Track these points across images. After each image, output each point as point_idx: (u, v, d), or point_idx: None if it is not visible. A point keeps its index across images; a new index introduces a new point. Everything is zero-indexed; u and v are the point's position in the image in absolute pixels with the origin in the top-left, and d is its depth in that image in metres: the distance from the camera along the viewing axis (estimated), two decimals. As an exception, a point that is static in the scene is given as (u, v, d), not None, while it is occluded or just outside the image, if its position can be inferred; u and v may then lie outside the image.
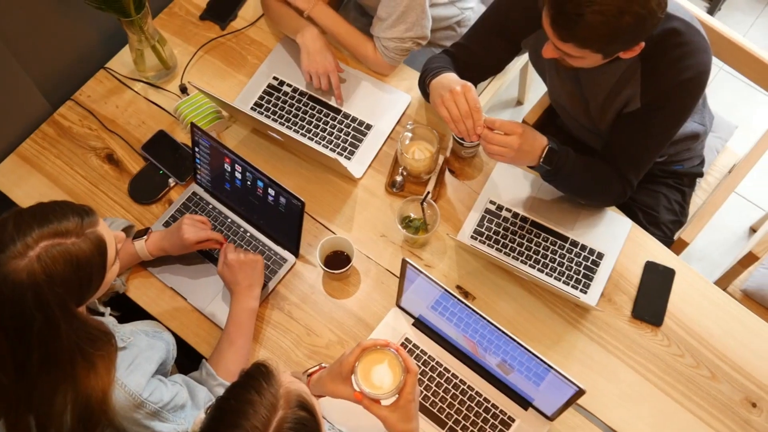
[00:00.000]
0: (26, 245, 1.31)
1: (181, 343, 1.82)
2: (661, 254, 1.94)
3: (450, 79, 1.82)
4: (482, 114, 1.73)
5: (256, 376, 1.21)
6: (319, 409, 1.27)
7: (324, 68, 2.09)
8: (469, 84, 1.75)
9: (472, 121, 1.72)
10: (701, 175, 2.25)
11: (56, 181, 2.08)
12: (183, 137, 2.11)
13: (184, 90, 2.18)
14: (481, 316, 1.59)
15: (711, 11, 3.40)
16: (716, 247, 2.95)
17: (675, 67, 1.71)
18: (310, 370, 1.59)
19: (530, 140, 1.72)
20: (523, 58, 2.74)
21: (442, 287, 1.62)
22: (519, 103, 3.19)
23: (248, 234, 1.97)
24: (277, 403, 1.18)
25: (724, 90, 3.21)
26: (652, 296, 1.88)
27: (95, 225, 1.40)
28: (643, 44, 1.62)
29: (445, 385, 1.79)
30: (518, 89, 3.14)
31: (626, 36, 1.55)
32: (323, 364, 1.60)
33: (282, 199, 1.83)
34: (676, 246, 2.14)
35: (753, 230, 2.95)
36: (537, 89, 3.17)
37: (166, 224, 1.98)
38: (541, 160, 1.77)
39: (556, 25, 1.56)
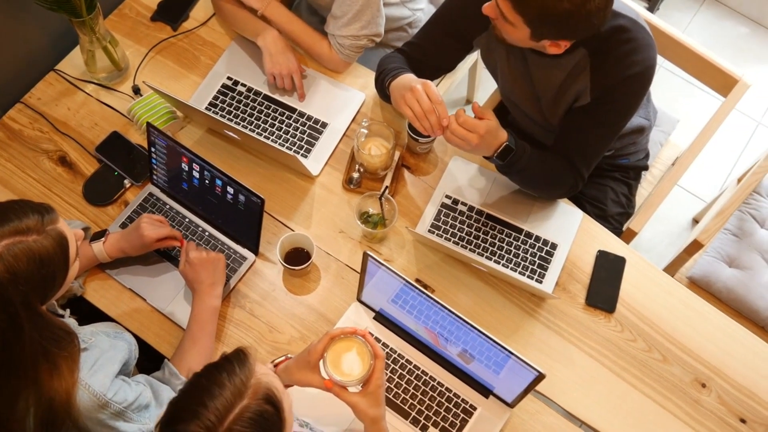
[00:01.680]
0: None
1: (141, 344, 1.81)
2: (612, 243, 2.00)
3: (410, 78, 1.85)
4: (445, 107, 1.76)
5: (232, 360, 1.23)
6: (288, 407, 1.28)
7: (288, 69, 2.11)
8: (429, 81, 1.78)
9: (435, 116, 1.75)
10: (646, 168, 2.33)
11: (7, 185, 2.04)
12: (137, 138, 2.10)
13: (137, 91, 2.17)
14: (442, 306, 1.62)
15: (650, 10, 3.51)
16: (661, 239, 3.04)
17: (623, 63, 1.77)
18: (276, 361, 1.60)
19: (490, 138, 1.75)
20: (472, 58, 2.79)
21: (404, 279, 1.64)
22: (468, 101, 3.24)
23: (207, 233, 1.97)
24: (244, 390, 1.19)
25: (664, 85, 3.32)
26: (605, 284, 1.94)
27: (56, 222, 1.40)
28: (568, 44, 1.68)
29: (408, 376, 1.81)
30: (467, 88, 3.19)
31: (556, 22, 1.59)
32: (289, 355, 1.61)
33: (241, 197, 1.84)
34: (625, 236, 2.21)
35: (695, 221, 3.06)
36: (486, 88, 3.22)
37: (123, 225, 1.97)
38: (495, 154, 1.81)
39: None
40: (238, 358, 1.24)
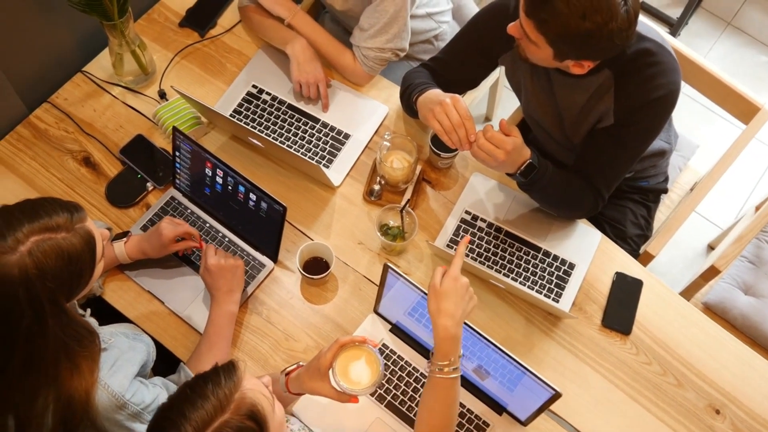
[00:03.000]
0: (17, 240, 1.31)
1: (156, 346, 1.81)
2: (630, 266, 2.00)
3: (437, 93, 1.86)
4: (474, 123, 1.77)
5: (220, 373, 1.23)
6: (278, 426, 1.27)
7: (314, 78, 2.13)
8: (458, 96, 1.80)
9: (464, 131, 1.76)
10: (666, 191, 2.33)
11: (31, 183, 2.06)
12: (161, 142, 2.12)
13: (163, 95, 2.19)
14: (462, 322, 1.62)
15: (672, 35, 3.52)
16: (676, 263, 3.04)
17: (648, 85, 1.78)
18: (287, 369, 1.61)
19: (515, 154, 1.76)
20: (494, 76, 2.80)
21: (424, 293, 1.65)
22: (487, 119, 3.25)
23: (227, 239, 1.99)
24: (227, 405, 1.19)
25: (684, 110, 3.33)
26: (621, 306, 1.94)
27: (84, 221, 1.41)
28: (591, 64, 1.68)
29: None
30: (487, 105, 3.20)
31: (578, 42, 1.60)
32: (301, 363, 1.62)
33: (263, 205, 1.85)
34: (643, 259, 2.21)
35: (711, 247, 3.06)
36: (505, 106, 3.24)
37: (144, 228, 1.99)
38: (519, 171, 1.82)
39: None
40: (226, 370, 1.24)
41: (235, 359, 1.28)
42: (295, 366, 1.62)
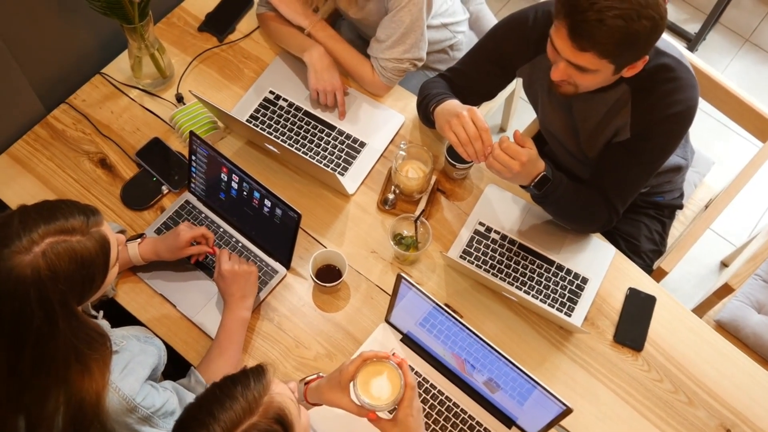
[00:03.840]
0: (32, 241, 1.31)
1: (167, 349, 1.82)
2: (643, 281, 2.00)
3: (454, 104, 1.86)
4: (490, 135, 1.77)
5: (249, 375, 1.24)
6: (302, 429, 1.27)
7: (331, 86, 2.14)
8: (475, 108, 1.79)
9: (480, 144, 1.76)
10: (681, 207, 2.32)
11: (47, 183, 2.07)
12: (177, 145, 2.13)
13: (180, 99, 2.19)
14: (473, 333, 1.62)
15: (690, 50, 3.51)
16: (688, 279, 3.02)
17: (665, 101, 1.77)
18: (307, 379, 1.61)
19: (530, 166, 1.76)
20: (510, 87, 2.80)
21: (436, 304, 1.65)
22: (502, 129, 3.25)
23: (240, 244, 1.99)
24: (256, 407, 1.20)
25: (700, 126, 3.31)
26: (634, 322, 1.93)
27: (100, 224, 1.41)
28: (646, 58, 1.67)
29: (431, 401, 1.81)
30: (502, 116, 3.20)
31: (641, 41, 1.59)
32: (321, 374, 1.61)
33: (278, 211, 1.85)
34: (656, 275, 2.20)
35: (724, 264, 3.04)
36: (520, 117, 3.24)
37: (158, 231, 1.99)
38: (533, 183, 1.82)
39: (577, 34, 1.58)
40: (256, 373, 1.25)
41: (264, 363, 1.29)
42: (314, 376, 1.61)
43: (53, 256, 1.32)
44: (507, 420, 1.79)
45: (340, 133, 2.16)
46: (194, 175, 2.00)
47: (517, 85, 2.88)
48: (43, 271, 1.31)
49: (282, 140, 2.14)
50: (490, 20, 2.58)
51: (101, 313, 1.67)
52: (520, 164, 1.72)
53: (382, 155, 2.14)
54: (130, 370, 1.55)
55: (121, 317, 1.89)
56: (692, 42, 3.54)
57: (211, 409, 1.19)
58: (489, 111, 2.74)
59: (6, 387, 1.39)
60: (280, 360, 1.86)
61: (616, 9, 1.52)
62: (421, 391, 1.82)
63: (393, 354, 1.53)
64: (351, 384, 1.50)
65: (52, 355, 1.38)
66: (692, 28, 3.57)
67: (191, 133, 1.90)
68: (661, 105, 1.78)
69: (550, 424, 1.65)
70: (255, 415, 1.19)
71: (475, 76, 2.03)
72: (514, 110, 3.14)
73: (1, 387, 1.39)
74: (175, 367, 1.84)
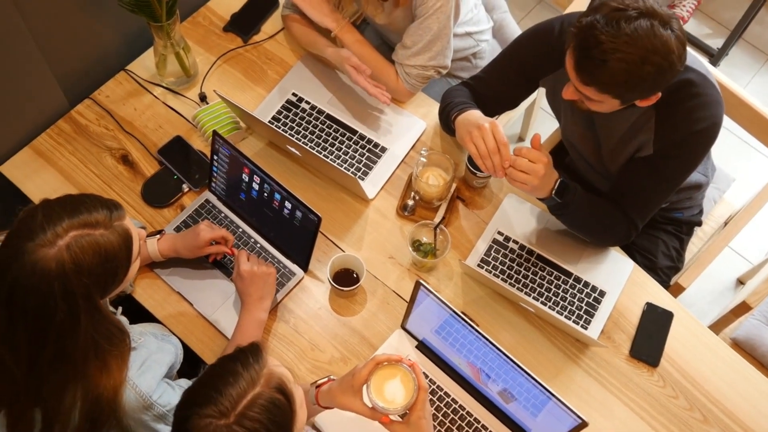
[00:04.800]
0: (56, 234, 1.32)
1: (182, 347, 1.82)
2: (661, 297, 1.99)
3: (476, 116, 1.87)
4: (509, 149, 1.77)
5: (246, 353, 1.30)
6: (300, 401, 1.33)
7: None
8: (496, 121, 1.80)
9: (499, 158, 1.76)
10: (700, 224, 2.31)
11: (69, 177, 2.08)
12: (199, 144, 2.13)
13: (203, 98, 2.20)
14: (490, 342, 1.62)
15: (712, 65, 3.49)
16: (704, 296, 3.01)
17: (689, 118, 1.76)
18: (318, 382, 1.61)
19: (549, 173, 1.77)
20: (531, 97, 2.79)
21: (454, 312, 1.64)
22: (521, 139, 3.24)
23: (258, 245, 1.99)
24: (257, 379, 1.26)
25: (720, 142, 3.28)
26: (650, 337, 1.92)
27: (123, 218, 1.42)
28: (659, 95, 1.67)
29: (445, 409, 1.81)
30: (521, 125, 3.20)
31: (645, 85, 1.60)
32: (332, 377, 1.61)
33: (298, 213, 1.86)
34: (673, 290, 2.19)
35: (741, 282, 3.02)
36: (539, 127, 3.23)
37: (177, 229, 2.00)
38: (553, 192, 1.81)
39: (580, 69, 1.61)
40: (253, 350, 1.30)
41: (256, 340, 1.35)
42: (326, 379, 1.62)
43: (77, 249, 1.33)
44: (520, 431, 1.78)
45: (362, 137, 2.16)
46: (215, 174, 2.00)
47: (537, 95, 2.87)
48: (68, 265, 1.32)
49: (303, 143, 2.15)
50: (514, 29, 2.58)
51: (120, 309, 1.67)
52: (544, 165, 1.73)
53: (402, 161, 2.14)
54: (148, 368, 1.55)
55: (138, 313, 1.90)
56: (715, 57, 3.52)
57: (216, 385, 1.24)
58: (509, 120, 2.74)
59: (25, 379, 1.40)
60: (295, 362, 1.86)
61: (621, 52, 1.53)
62: (434, 399, 1.82)
63: (407, 356, 1.54)
64: (364, 387, 1.50)
65: (73, 349, 1.39)
66: (715, 43, 3.56)
67: (214, 132, 1.91)
68: (685, 122, 1.77)
69: (564, 437, 1.65)
70: (258, 386, 1.25)
71: (498, 85, 2.03)
72: (533, 120, 3.13)
73: (21, 379, 1.40)
74: (190, 365, 1.85)
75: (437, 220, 1.98)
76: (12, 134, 2.09)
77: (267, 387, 1.26)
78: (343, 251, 2.00)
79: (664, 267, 2.22)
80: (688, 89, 1.76)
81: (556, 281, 1.98)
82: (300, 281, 1.96)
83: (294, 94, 2.23)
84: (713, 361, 1.91)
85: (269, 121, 2.18)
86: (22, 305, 1.32)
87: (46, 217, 1.34)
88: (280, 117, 2.19)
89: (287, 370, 1.33)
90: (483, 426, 1.79)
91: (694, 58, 1.82)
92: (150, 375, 1.54)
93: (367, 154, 2.14)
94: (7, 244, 1.35)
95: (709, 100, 1.77)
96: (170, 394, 1.57)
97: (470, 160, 2.03)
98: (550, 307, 1.94)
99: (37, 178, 2.07)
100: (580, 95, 1.70)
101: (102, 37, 2.19)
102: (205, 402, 1.22)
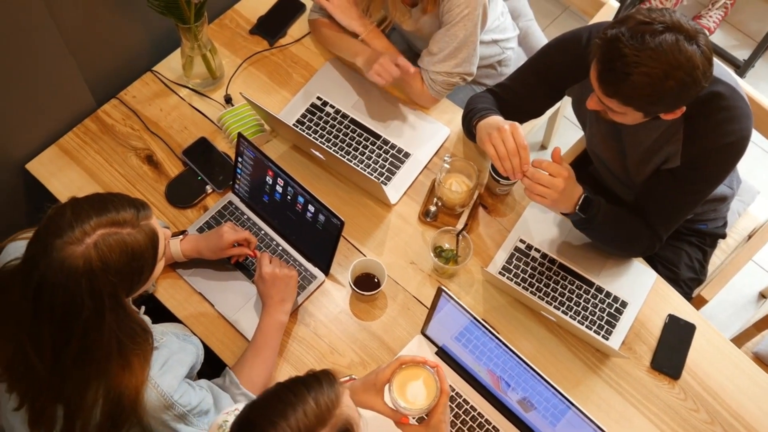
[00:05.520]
0: (84, 232, 1.33)
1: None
2: (683, 309, 1.97)
3: (498, 120, 1.87)
4: (529, 153, 1.77)
5: (321, 381, 1.22)
6: None
7: (385, 59, 2.07)
8: (517, 123, 1.79)
9: (518, 159, 1.76)
10: (724, 236, 2.29)
11: (94, 176, 2.10)
12: (223, 146, 2.15)
13: (228, 100, 2.21)
14: (511, 350, 1.61)
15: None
16: (725, 308, 2.98)
17: (718, 131, 1.75)
18: (341, 381, 1.61)
19: (572, 186, 1.76)
20: (555, 107, 2.79)
21: (476, 319, 1.64)
22: (543, 147, 3.23)
23: (280, 248, 2.00)
24: (327, 418, 1.19)
25: (746, 155, 3.26)
26: (672, 349, 1.91)
27: (149, 218, 1.43)
28: (684, 108, 1.66)
29: (463, 416, 1.80)
30: (544, 134, 3.19)
31: (668, 99, 1.60)
32: (353, 376, 1.62)
33: (321, 217, 1.86)
34: (695, 302, 2.17)
35: (763, 296, 2.99)
36: (562, 137, 3.22)
37: (200, 230, 2.01)
38: (577, 207, 1.80)
39: (603, 81, 1.61)
40: (328, 380, 1.23)
41: (331, 369, 1.27)
42: (347, 378, 1.62)
43: (105, 247, 1.34)
44: (539, 440, 1.78)
45: (385, 142, 2.16)
46: (239, 176, 2.01)
47: (561, 104, 2.86)
48: (95, 262, 1.33)
49: (327, 146, 2.15)
50: (539, 37, 2.58)
51: (143, 308, 1.68)
52: (564, 180, 1.72)
53: (425, 167, 2.14)
54: (169, 367, 1.56)
55: (159, 312, 1.91)
56: (741, 69, 3.50)
57: (284, 410, 1.17)
58: (532, 128, 2.73)
59: (48, 375, 1.42)
60: (314, 365, 1.87)
61: (645, 66, 1.53)
62: (453, 406, 1.81)
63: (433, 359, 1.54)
64: (387, 387, 1.50)
65: (97, 346, 1.40)
66: (741, 54, 3.53)
67: (239, 134, 1.92)
68: (714, 134, 1.76)
69: (584, 448, 1.64)
70: (326, 426, 1.19)
71: (524, 92, 2.02)
72: (556, 129, 3.12)
73: (44, 375, 1.42)
74: (209, 366, 1.85)
75: (459, 226, 1.98)
76: (39, 132, 2.11)
77: (334, 428, 1.19)
78: (365, 255, 2.01)
79: (687, 279, 2.20)
80: (718, 102, 1.74)
81: (577, 291, 1.97)
82: (321, 284, 1.97)
83: (319, 98, 2.23)
84: (735, 375, 1.89)
85: (293, 125, 2.19)
86: (48, 301, 1.33)
87: (75, 215, 1.36)
88: (305, 120, 2.20)
89: (357, 414, 1.27)
90: (501, 434, 1.78)
91: (724, 70, 1.81)
92: (171, 375, 1.55)
93: (390, 159, 2.14)
94: (35, 240, 1.36)
95: (738, 113, 1.75)
96: (191, 395, 1.57)
97: (494, 167, 2.03)
98: (571, 317, 1.93)
99: (63, 176, 2.09)
100: (603, 106, 1.70)
101: (130, 37, 2.21)
102: (267, 426, 1.16)
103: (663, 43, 1.52)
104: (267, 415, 1.18)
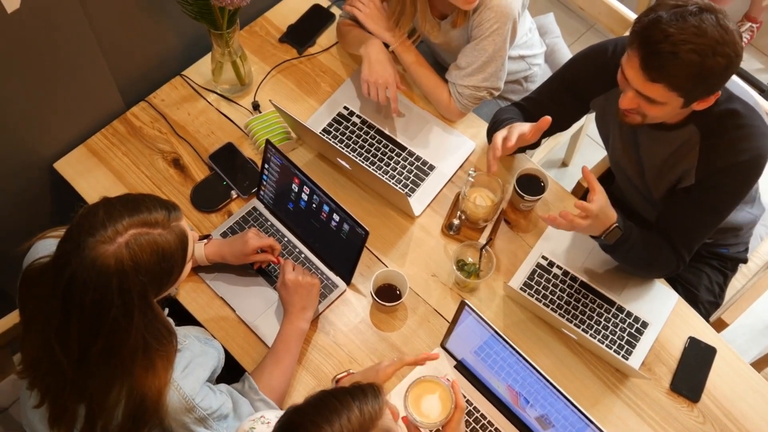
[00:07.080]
0: (116, 231, 1.35)
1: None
2: (704, 331, 1.96)
3: (516, 124, 1.91)
4: (499, 150, 1.87)
5: (366, 391, 1.23)
6: None
7: (384, 79, 2.11)
8: (521, 124, 1.87)
9: (493, 153, 1.88)
10: (745, 261, 2.28)
11: (121, 177, 2.12)
12: (250, 152, 2.16)
13: (256, 107, 2.23)
14: (532, 366, 1.61)
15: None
16: (743, 332, 2.96)
17: (733, 148, 1.74)
18: (338, 376, 1.62)
19: (602, 217, 1.76)
20: (578, 124, 2.79)
21: (498, 334, 1.64)
22: (564, 164, 3.24)
23: (303, 255, 2.01)
24: (369, 428, 1.19)
25: (765, 178, 3.25)
26: (692, 372, 1.90)
27: (180, 219, 1.45)
28: (719, 93, 1.66)
29: (480, 431, 1.80)
30: (566, 151, 3.19)
31: (714, 78, 1.58)
32: (351, 371, 1.62)
33: (345, 227, 1.87)
34: (715, 325, 2.15)
35: (781, 321, 2.98)
36: (583, 155, 3.22)
37: (224, 235, 2.02)
38: (604, 235, 1.80)
39: (648, 65, 1.58)
40: (373, 391, 1.23)
41: (377, 384, 1.27)
42: (345, 373, 1.62)
43: (136, 247, 1.36)
44: (556, 458, 1.77)
45: (410, 154, 2.17)
46: (265, 182, 2.02)
47: (584, 121, 2.86)
48: (126, 262, 1.34)
49: (353, 156, 2.16)
50: (565, 54, 2.58)
51: (166, 311, 1.69)
52: (587, 227, 1.74)
53: (450, 180, 2.14)
54: (191, 370, 1.57)
55: (179, 315, 1.91)
56: (765, 93, 3.49)
57: (330, 416, 1.18)
58: (556, 144, 2.73)
59: (73, 373, 1.42)
60: (332, 374, 1.86)
61: (692, 44, 1.52)
62: (470, 420, 1.81)
63: (445, 375, 1.54)
64: (403, 397, 1.50)
65: (123, 345, 1.41)
66: (766, 78, 3.52)
67: (267, 141, 1.93)
68: (729, 152, 1.75)
69: (602, 468, 1.63)
70: None
71: (550, 105, 2.03)
72: (578, 147, 3.12)
73: (69, 372, 1.42)
74: (227, 371, 1.86)
75: (483, 240, 1.98)
76: (68, 132, 2.14)
77: None
78: (387, 266, 2.01)
79: (705, 301, 2.20)
80: (734, 119, 1.74)
81: (598, 309, 1.97)
82: (342, 294, 1.97)
83: (345, 108, 2.24)
84: (756, 400, 1.88)
85: (320, 134, 2.20)
86: (78, 299, 1.34)
87: (108, 214, 1.37)
88: (331, 130, 2.21)
89: (398, 429, 1.27)
90: (518, 451, 1.78)
91: (743, 88, 1.81)
92: (194, 377, 1.56)
93: (415, 171, 2.14)
94: (67, 238, 1.38)
95: (755, 131, 1.75)
96: (212, 398, 1.58)
97: (519, 182, 2.03)
98: (591, 335, 1.93)
99: (90, 176, 2.11)
100: (639, 100, 1.68)
101: (161, 41, 2.23)
102: (313, 428, 1.17)
103: (704, 20, 1.52)
104: (313, 419, 1.18)
